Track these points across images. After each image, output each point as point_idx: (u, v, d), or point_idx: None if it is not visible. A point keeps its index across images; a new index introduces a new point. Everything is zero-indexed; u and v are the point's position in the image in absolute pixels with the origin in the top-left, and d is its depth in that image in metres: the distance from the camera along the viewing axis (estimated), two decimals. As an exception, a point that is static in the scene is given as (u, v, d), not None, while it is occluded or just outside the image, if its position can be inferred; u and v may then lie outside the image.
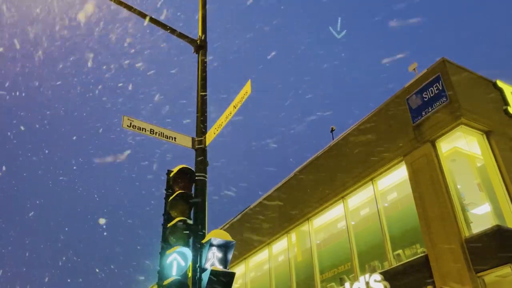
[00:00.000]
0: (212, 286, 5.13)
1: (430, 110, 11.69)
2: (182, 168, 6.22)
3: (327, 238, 15.42)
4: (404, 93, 12.76)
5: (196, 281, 5.32)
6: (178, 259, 5.36)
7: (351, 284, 12.46)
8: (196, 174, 6.35)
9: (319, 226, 15.54)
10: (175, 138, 6.90)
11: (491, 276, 9.78)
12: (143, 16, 7.84)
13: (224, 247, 5.48)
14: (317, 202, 15.00)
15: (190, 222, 5.80)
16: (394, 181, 13.10)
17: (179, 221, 5.64)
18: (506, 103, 12.41)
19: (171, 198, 5.90)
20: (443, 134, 11.45)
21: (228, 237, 5.53)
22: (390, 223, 12.65)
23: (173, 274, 5.27)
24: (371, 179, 13.29)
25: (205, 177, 6.41)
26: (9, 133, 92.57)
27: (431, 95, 11.77)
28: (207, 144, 6.80)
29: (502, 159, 11.03)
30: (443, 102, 11.37)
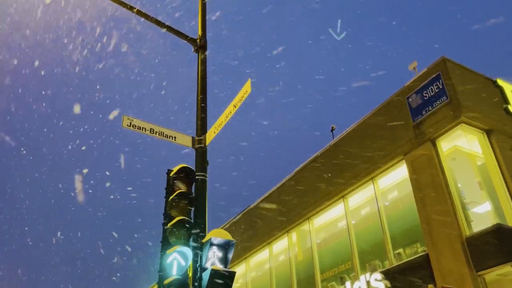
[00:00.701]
0: (212, 285, 5.12)
1: (431, 109, 11.68)
2: (182, 167, 6.21)
3: (327, 237, 15.41)
4: (404, 92, 12.75)
5: (197, 280, 5.31)
6: (178, 259, 5.35)
7: (352, 283, 12.45)
8: (196, 173, 6.34)
9: (319, 226, 15.54)
10: (175, 137, 6.89)
11: (492, 275, 9.78)
12: (144, 16, 7.82)
13: (225, 247, 5.48)
14: (317, 202, 14.99)
15: (191, 221, 5.79)
16: (395, 180, 13.09)
17: (179, 220, 5.63)
18: (506, 101, 12.39)
19: (171, 197, 5.89)
20: (443, 133, 11.44)
21: (229, 237, 5.52)
22: (390, 222, 12.64)
23: (174, 273, 5.26)
24: (372, 178, 13.29)
25: (205, 176, 6.40)
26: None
27: (431, 94, 11.76)
28: (207, 143, 6.78)
29: (502, 157, 11.02)
30: (444, 101, 11.36)
